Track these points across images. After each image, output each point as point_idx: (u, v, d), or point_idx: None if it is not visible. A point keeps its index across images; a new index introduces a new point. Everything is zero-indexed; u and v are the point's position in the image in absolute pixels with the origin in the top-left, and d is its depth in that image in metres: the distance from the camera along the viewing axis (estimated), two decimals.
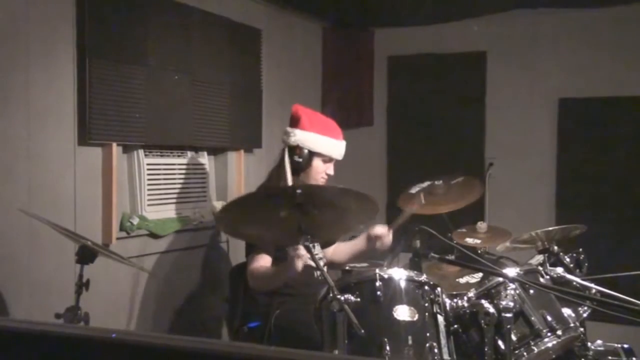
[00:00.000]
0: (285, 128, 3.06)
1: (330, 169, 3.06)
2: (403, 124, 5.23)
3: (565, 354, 2.59)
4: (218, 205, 3.91)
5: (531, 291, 2.43)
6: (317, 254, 2.55)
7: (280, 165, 3.03)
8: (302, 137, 2.99)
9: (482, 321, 2.28)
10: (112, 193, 3.28)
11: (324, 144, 3.02)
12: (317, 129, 3.02)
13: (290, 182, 2.95)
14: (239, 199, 2.59)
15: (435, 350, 2.14)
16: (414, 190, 3.58)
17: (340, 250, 3.26)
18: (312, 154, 3.00)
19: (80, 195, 3.19)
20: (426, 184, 3.59)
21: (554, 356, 2.47)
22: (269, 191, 2.75)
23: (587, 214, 4.19)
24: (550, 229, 3.07)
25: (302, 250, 2.47)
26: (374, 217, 2.41)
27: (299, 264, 2.55)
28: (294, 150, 2.99)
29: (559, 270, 2.66)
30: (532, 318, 2.39)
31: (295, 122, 3.04)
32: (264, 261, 2.84)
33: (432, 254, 2.49)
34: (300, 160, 2.98)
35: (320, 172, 3.03)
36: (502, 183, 4.85)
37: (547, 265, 2.89)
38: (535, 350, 2.36)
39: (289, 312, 2.82)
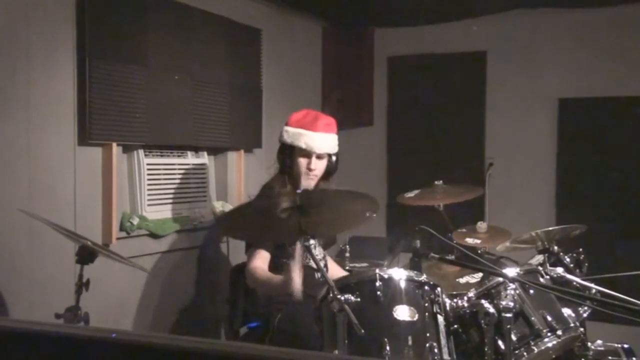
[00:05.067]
0: None
1: (312, 163, 2.92)
2: (403, 124, 5.23)
3: (565, 354, 2.59)
4: (218, 205, 3.91)
5: (531, 291, 2.44)
6: (317, 255, 2.55)
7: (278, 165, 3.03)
8: (286, 133, 2.97)
9: (482, 321, 2.28)
10: (112, 193, 3.28)
11: (300, 136, 2.91)
12: (295, 123, 2.96)
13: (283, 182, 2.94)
14: (241, 207, 2.57)
15: (435, 350, 2.14)
16: (411, 194, 3.60)
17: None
18: (293, 150, 2.94)
19: (80, 195, 3.19)
20: (419, 190, 3.61)
21: (554, 356, 2.47)
22: (268, 201, 2.70)
23: (587, 214, 4.19)
24: (550, 229, 3.07)
25: (298, 285, 2.41)
26: (374, 214, 2.41)
27: (298, 293, 2.45)
28: (285, 148, 2.98)
29: (559, 270, 2.66)
30: (532, 318, 2.39)
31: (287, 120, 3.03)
32: (262, 259, 2.83)
33: (432, 254, 2.49)
34: (288, 157, 2.95)
35: (302, 167, 2.92)
36: (502, 183, 4.85)
37: (547, 265, 2.89)
38: (535, 350, 2.35)
39: (291, 315, 2.81)
